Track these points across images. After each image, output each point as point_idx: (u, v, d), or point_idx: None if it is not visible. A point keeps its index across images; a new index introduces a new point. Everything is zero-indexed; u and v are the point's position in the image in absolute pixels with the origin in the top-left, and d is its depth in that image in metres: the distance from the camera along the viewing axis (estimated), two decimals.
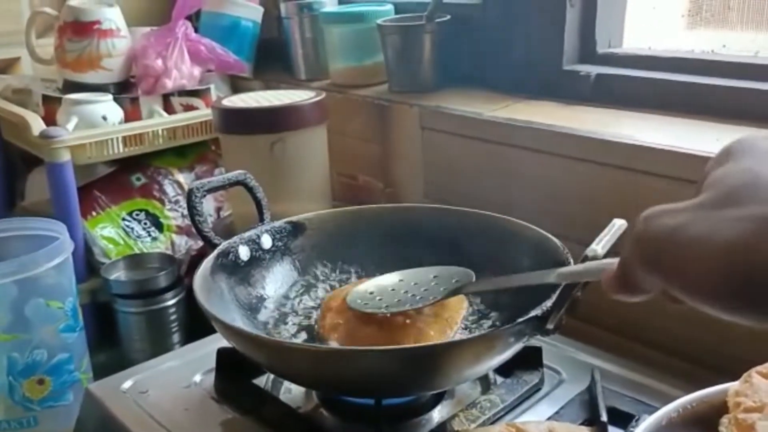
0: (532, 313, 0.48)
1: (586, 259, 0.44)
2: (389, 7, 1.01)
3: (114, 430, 0.61)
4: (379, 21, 0.96)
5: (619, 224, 0.49)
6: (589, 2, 0.85)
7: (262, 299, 0.66)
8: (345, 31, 1.02)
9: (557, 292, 0.48)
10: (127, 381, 0.65)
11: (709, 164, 0.31)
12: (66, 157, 0.93)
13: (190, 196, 0.64)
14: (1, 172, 1.14)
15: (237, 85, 1.19)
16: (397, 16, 0.99)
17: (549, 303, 0.48)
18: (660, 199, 0.29)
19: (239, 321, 0.60)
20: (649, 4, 0.89)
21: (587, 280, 0.41)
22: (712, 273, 0.25)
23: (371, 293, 0.60)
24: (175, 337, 0.96)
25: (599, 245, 0.46)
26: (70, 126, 0.95)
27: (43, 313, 0.80)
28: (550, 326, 0.48)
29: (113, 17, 1.04)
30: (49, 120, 0.98)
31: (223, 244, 0.64)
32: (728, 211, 0.26)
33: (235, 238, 0.66)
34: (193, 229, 0.65)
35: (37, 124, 0.95)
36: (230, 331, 0.52)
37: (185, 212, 1.05)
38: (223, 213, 1.09)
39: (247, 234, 0.67)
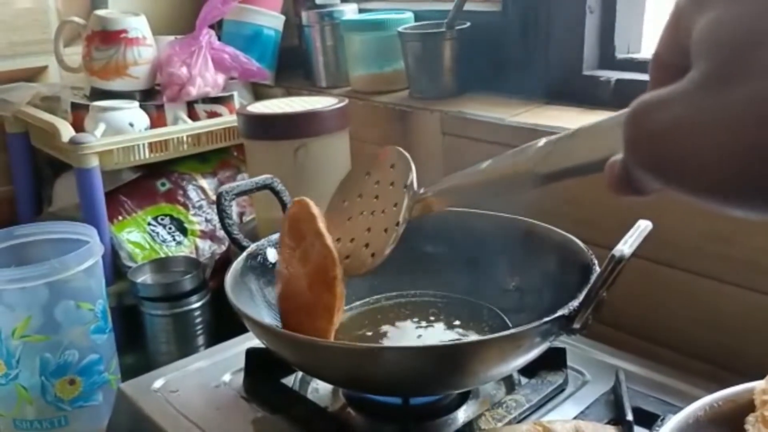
0: (559, 313, 0.49)
1: (613, 259, 0.45)
2: (409, 14, 1.03)
3: (146, 428, 0.62)
4: (399, 28, 0.97)
5: (644, 225, 0.50)
6: (608, 8, 0.86)
7: None
8: (366, 38, 1.03)
9: (584, 292, 0.49)
10: (157, 380, 0.67)
11: (680, 7, 0.25)
12: (94, 162, 0.95)
13: (219, 199, 0.66)
14: (30, 178, 1.17)
15: (259, 93, 1.21)
16: (417, 23, 1.01)
17: (576, 303, 0.49)
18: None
19: (269, 320, 0.62)
20: (667, 10, 0.90)
21: (584, 173, 0.35)
22: (722, 169, 0.22)
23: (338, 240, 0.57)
24: (200, 340, 0.98)
25: (626, 245, 0.47)
26: (98, 132, 0.97)
27: (73, 314, 0.81)
28: (576, 326, 0.49)
29: (139, 26, 1.07)
30: (77, 127, 1.00)
31: (252, 246, 0.66)
32: (729, 91, 0.21)
33: (263, 241, 0.68)
34: (222, 232, 0.67)
35: (66, 131, 0.97)
36: (262, 329, 0.54)
37: (209, 217, 1.07)
38: (245, 218, 1.10)
39: (274, 237, 0.68)
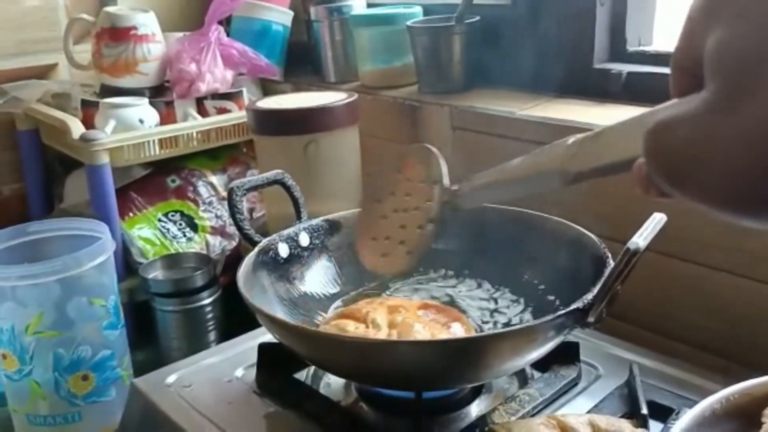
0: (574, 306, 0.48)
1: (628, 251, 0.45)
2: (418, 9, 1.03)
3: (159, 423, 0.62)
4: (408, 23, 0.97)
5: (659, 218, 0.49)
6: (619, 1, 0.86)
7: (302, 295, 0.67)
8: (374, 33, 1.03)
9: (598, 285, 0.49)
10: (170, 376, 0.67)
11: (693, 19, 0.25)
12: (105, 159, 0.96)
13: (230, 194, 0.66)
14: (41, 175, 1.17)
15: (267, 88, 1.21)
16: (426, 17, 1.01)
17: (590, 296, 0.49)
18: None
19: (281, 315, 0.62)
20: (678, 2, 0.89)
21: (613, 173, 0.35)
22: (733, 184, 0.23)
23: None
24: (211, 336, 0.98)
25: (641, 238, 0.46)
26: (109, 129, 0.98)
27: (86, 311, 0.82)
28: (591, 319, 0.48)
29: (148, 23, 1.07)
30: (88, 124, 1.01)
31: (264, 242, 0.66)
32: (739, 109, 0.22)
33: (275, 236, 0.68)
34: (232, 228, 0.67)
35: (77, 128, 0.97)
36: (275, 323, 0.54)
37: (219, 213, 1.07)
38: (255, 214, 1.10)
39: (285, 232, 0.69)
